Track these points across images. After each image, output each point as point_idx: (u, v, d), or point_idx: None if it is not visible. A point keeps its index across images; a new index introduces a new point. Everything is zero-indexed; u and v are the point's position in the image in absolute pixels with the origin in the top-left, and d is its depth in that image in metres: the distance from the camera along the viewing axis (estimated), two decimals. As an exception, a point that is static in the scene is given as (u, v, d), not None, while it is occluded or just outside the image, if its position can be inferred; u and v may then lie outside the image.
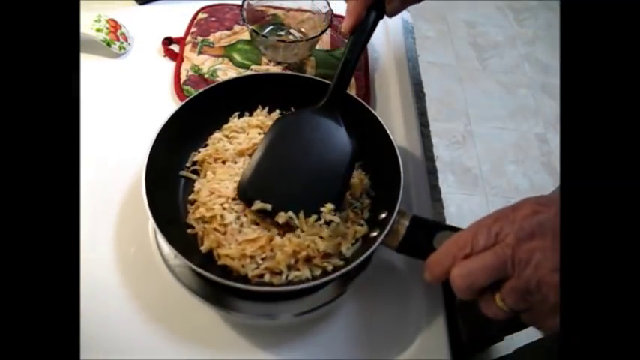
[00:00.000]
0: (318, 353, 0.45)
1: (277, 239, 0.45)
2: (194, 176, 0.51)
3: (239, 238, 0.45)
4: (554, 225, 0.34)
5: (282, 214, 0.45)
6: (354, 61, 0.51)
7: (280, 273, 0.44)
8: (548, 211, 0.36)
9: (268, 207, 0.45)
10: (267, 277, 0.44)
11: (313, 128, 0.50)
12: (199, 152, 0.52)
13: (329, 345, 0.46)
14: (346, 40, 0.69)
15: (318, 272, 0.45)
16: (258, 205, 0.45)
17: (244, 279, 0.44)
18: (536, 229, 0.35)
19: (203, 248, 0.45)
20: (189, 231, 0.47)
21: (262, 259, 0.44)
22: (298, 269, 0.44)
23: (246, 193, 0.47)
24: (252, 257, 0.44)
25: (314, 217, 0.46)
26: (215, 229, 0.46)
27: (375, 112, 0.53)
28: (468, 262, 0.36)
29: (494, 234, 0.36)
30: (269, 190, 0.46)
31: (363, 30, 0.52)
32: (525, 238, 0.35)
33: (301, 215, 0.46)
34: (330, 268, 0.45)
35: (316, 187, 0.47)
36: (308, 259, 0.45)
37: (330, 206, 0.46)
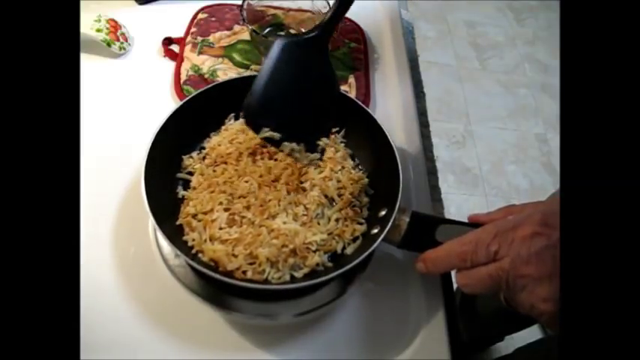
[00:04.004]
0: (318, 353, 0.45)
1: (264, 235, 0.45)
2: (190, 177, 0.51)
3: (225, 236, 0.45)
4: (554, 254, 0.35)
5: (286, 144, 0.49)
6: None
7: (276, 266, 0.44)
8: (550, 234, 0.36)
9: (277, 136, 0.48)
10: (249, 274, 0.44)
11: (309, 57, 0.51)
12: (192, 156, 0.52)
13: (329, 345, 0.46)
14: (346, 41, 0.70)
15: (308, 270, 0.45)
16: (266, 133, 0.48)
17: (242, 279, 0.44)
18: (532, 256, 0.36)
19: (187, 238, 0.46)
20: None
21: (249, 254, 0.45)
22: (287, 263, 0.45)
23: (253, 115, 0.49)
24: (235, 255, 0.44)
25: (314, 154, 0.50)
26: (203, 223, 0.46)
27: (369, 111, 0.53)
28: (466, 274, 0.39)
29: (493, 252, 0.38)
30: (273, 116, 0.49)
31: None
32: (520, 265, 0.36)
33: (301, 147, 0.50)
34: (319, 262, 0.45)
35: (311, 118, 0.51)
36: (296, 254, 0.45)
37: (325, 140, 0.51)
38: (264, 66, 0.50)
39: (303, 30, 0.69)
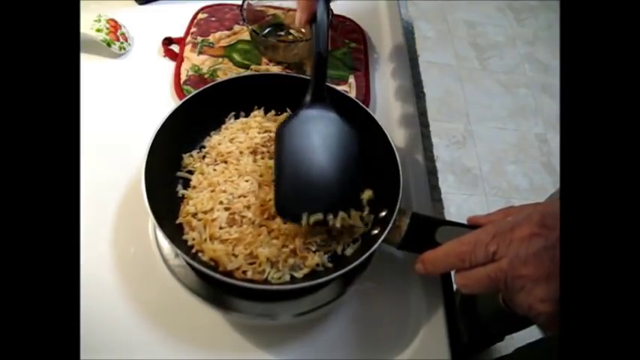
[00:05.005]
0: (318, 353, 0.45)
1: (264, 235, 0.46)
2: (190, 176, 0.51)
3: (225, 236, 0.45)
4: (552, 255, 0.35)
5: (335, 218, 0.45)
6: (325, 52, 0.49)
7: (276, 266, 0.44)
8: (548, 235, 0.36)
9: (321, 217, 0.44)
10: (249, 274, 0.44)
11: (316, 125, 0.49)
12: (192, 155, 0.52)
13: (329, 345, 0.46)
14: (346, 41, 0.70)
15: (308, 270, 0.45)
16: (310, 218, 0.44)
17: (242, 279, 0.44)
18: (530, 257, 0.36)
19: (187, 237, 0.45)
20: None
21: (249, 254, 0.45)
22: (287, 264, 0.45)
23: (288, 212, 0.45)
24: (235, 255, 0.45)
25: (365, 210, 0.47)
26: (203, 222, 0.46)
27: (370, 111, 0.53)
28: (465, 274, 0.40)
29: (491, 252, 0.38)
30: (308, 199, 0.45)
31: (320, 19, 0.50)
32: (518, 265, 0.36)
33: (353, 212, 0.46)
34: (319, 262, 0.45)
35: (346, 179, 0.47)
36: (296, 254, 0.45)
37: (368, 192, 0.48)
38: (277, 160, 0.47)
39: (304, 30, 0.69)
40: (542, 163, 1.70)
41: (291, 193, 0.45)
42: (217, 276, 0.41)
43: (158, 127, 0.48)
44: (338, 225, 0.45)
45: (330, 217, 0.45)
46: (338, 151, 0.48)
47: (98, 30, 0.63)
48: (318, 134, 0.49)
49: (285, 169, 0.46)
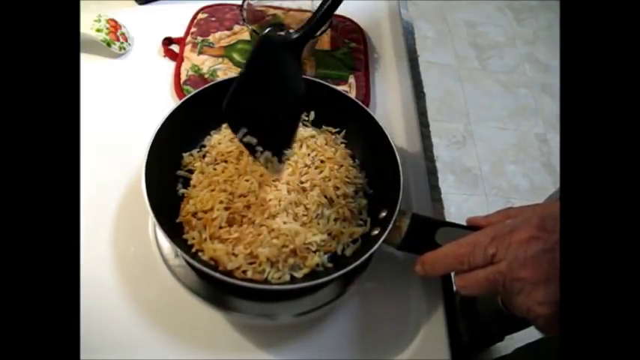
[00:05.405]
0: (318, 353, 0.45)
1: (265, 234, 0.45)
2: (191, 175, 0.51)
3: (225, 235, 0.46)
4: (551, 258, 0.35)
5: (261, 151, 0.48)
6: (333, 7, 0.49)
7: (276, 266, 0.44)
8: (547, 238, 0.36)
9: (254, 142, 0.47)
10: (249, 274, 0.44)
11: (286, 63, 0.49)
12: (192, 154, 0.53)
13: (329, 345, 0.46)
14: (346, 41, 0.70)
15: (308, 270, 0.45)
16: (244, 136, 0.47)
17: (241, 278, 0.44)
18: (529, 260, 0.36)
19: (187, 237, 0.46)
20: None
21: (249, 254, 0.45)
22: (287, 264, 0.45)
23: (233, 114, 0.47)
24: (235, 255, 0.45)
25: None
26: (203, 222, 0.46)
27: (370, 111, 0.53)
28: (464, 277, 0.40)
29: (490, 255, 0.38)
30: (250, 118, 0.48)
31: None
32: (517, 268, 0.36)
33: (275, 158, 0.49)
34: (319, 262, 0.45)
35: (281, 125, 0.49)
36: (296, 254, 0.45)
37: (291, 151, 0.50)
38: (249, 64, 0.47)
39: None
40: (542, 163, 1.70)
41: (244, 103, 0.47)
42: (217, 275, 0.41)
43: (158, 127, 0.48)
44: (261, 161, 0.48)
45: (261, 151, 0.48)
46: (285, 98, 0.50)
47: (98, 30, 0.63)
48: (283, 74, 0.50)
49: (251, 78, 0.47)
